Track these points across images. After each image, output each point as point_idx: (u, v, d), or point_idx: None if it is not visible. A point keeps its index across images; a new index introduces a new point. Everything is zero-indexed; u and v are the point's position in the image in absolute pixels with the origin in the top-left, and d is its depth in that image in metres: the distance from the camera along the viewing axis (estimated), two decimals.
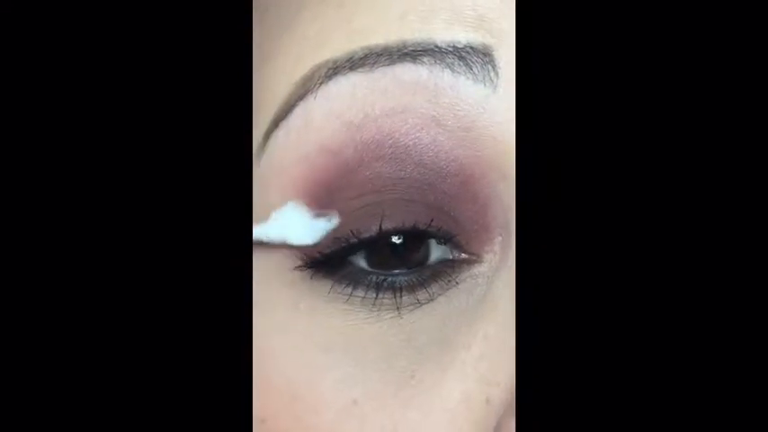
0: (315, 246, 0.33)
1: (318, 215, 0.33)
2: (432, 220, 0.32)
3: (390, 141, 0.32)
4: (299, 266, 0.33)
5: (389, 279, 0.33)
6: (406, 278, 0.33)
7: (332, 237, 0.33)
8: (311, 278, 0.33)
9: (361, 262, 0.33)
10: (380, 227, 0.32)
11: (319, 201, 0.33)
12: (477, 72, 0.31)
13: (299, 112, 0.33)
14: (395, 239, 0.33)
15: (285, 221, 0.33)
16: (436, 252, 0.33)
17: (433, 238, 0.33)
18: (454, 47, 0.32)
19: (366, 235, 0.32)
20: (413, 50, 0.32)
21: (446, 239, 0.32)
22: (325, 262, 0.33)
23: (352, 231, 0.32)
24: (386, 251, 0.33)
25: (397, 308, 0.32)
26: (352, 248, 0.33)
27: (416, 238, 0.33)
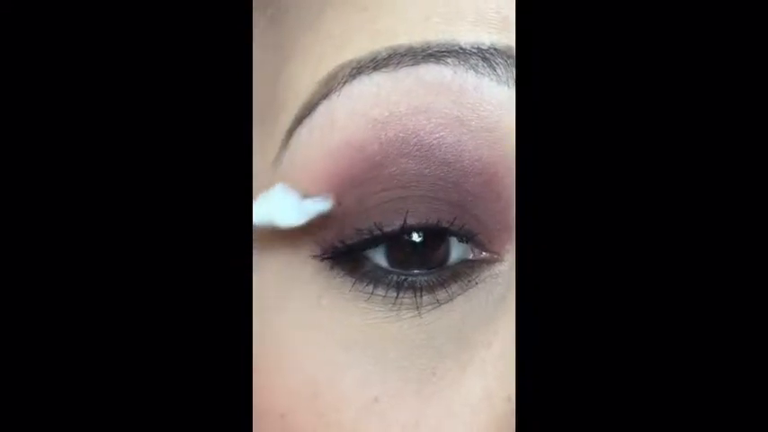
0: (304, 227, 0.33)
1: (308, 196, 0.33)
2: (455, 218, 0.32)
3: (415, 139, 0.32)
4: (317, 255, 0.33)
5: (410, 279, 0.33)
6: (426, 278, 0.33)
7: (354, 228, 0.33)
8: (330, 269, 0.33)
9: (382, 260, 0.33)
10: (404, 221, 0.32)
11: (344, 194, 0.33)
12: (500, 73, 0.32)
13: (322, 110, 0.33)
14: (416, 237, 0.33)
15: (272, 203, 0.33)
16: (457, 251, 0.33)
17: (455, 236, 0.33)
18: (478, 48, 0.32)
19: (389, 229, 0.33)
20: (437, 51, 0.32)
21: (468, 238, 0.33)
22: (345, 253, 0.33)
23: (375, 224, 0.33)
24: (407, 249, 0.33)
25: (417, 307, 0.33)
26: (374, 241, 0.33)
27: (438, 237, 0.33)
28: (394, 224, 0.33)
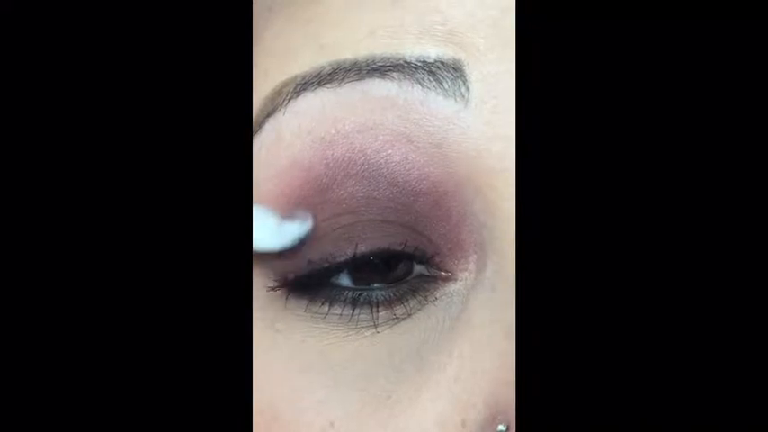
0: (281, 251, 0.32)
1: (287, 218, 0.32)
2: (406, 241, 0.32)
3: (362, 159, 0.31)
4: (273, 288, 0.33)
5: (365, 293, 0.32)
6: (383, 293, 0.32)
7: (306, 259, 0.32)
8: (287, 299, 0.33)
9: (339, 279, 0.33)
10: (355, 251, 0.32)
11: (293, 218, 0.32)
12: (447, 87, 0.31)
13: (269, 127, 0.32)
14: (372, 258, 0.32)
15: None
16: (417, 268, 0.32)
17: (408, 257, 0.32)
18: (424, 62, 0.31)
19: (341, 259, 0.32)
20: (382, 66, 0.31)
21: (421, 259, 0.32)
22: (299, 284, 0.32)
23: (326, 256, 0.32)
24: (365, 267, 0.32)
25: (375, 324, 0.32)
26: (327, 271, 0.32)
27: (393, 257, 0.32)
28: (345, 253, 0.32)
